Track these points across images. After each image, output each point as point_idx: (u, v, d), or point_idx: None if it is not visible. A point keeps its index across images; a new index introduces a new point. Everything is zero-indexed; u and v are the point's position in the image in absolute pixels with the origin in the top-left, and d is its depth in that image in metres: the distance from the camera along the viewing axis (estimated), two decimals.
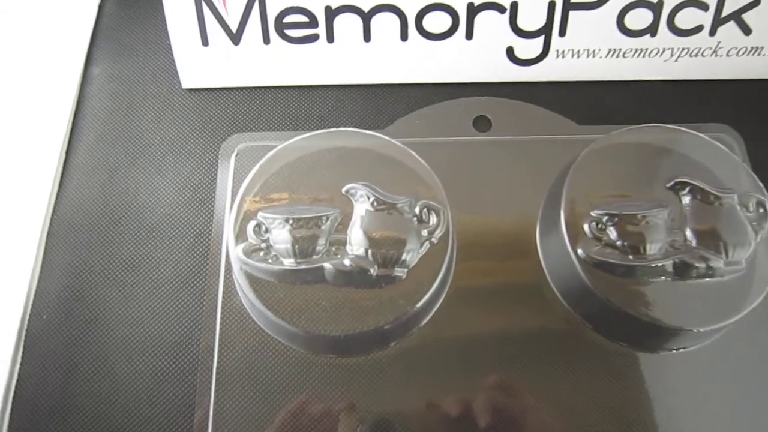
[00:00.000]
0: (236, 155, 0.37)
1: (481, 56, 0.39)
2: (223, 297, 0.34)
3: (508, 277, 0.35)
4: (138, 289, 0.35)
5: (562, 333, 0.34)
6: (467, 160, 0.37)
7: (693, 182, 0.33)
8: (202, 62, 0.39)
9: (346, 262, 0.30)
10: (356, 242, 0.31)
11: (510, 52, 0.39)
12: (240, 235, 0.32)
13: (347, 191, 0.32)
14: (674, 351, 0.33)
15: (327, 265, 0.30)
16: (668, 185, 0.33)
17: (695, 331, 0.31)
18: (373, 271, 0.30)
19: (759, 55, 0.39)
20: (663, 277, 0.31)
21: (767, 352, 0.33)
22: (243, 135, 0.38)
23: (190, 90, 0.40)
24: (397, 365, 0.32)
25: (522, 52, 0.39)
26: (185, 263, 0.35)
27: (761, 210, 0.32)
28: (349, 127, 0.35)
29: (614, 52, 0.39)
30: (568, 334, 0.33)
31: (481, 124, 0.38)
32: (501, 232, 0.36)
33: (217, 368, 0.32)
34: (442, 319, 0.33)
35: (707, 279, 0.31)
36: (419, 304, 0.30)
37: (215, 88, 0.40)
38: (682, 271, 0.31)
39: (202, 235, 0.36)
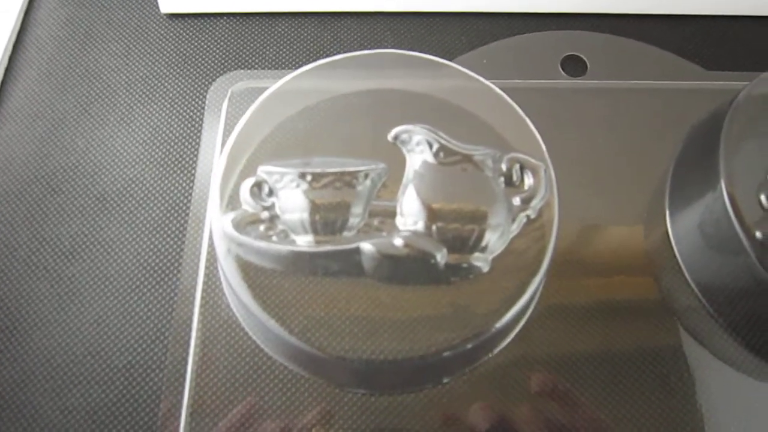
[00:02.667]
0: (230, 99, 0.26)
1: None
2: (204, 297, 0.22)
3: (622, 274, 0.24)
4: (81, 285, 0.24)
5: (706, 361, 0.22)
6: (554, 112, 0.27)
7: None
8: None
9: (397, 241, 0.19)
10: (411, 211, 0.20)
11: None
12: (232, 201, 0.21)
13: (396, 137, 0.21)
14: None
15: (366, 246, 0.19)
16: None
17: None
18: (441, 257, 0.19)
19: None
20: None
21: None
22: (240, 73, 0.27)
23: (171, 15, 0.30)
24: (456, 405, 0.21)
25: None
26: (150, 249, 0.24)
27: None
28: None
29: None
30: (718, 362, 0.22)
31: (573, 66, 0.28)
32: (608, 211, 0.25)
33: (191, 405, 0.21)
34: (530, 335, 0.22)
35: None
36: (510, 314, 0.19)
37: (204, 14, 0.29)
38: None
39: (178, 208, 0.25)
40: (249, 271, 0.20)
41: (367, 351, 0.19)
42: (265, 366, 0.21)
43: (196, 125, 0.27)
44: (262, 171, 0.21)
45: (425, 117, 0.22)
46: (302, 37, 0.29)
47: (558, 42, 0.28)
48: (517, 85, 0.27)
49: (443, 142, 0.20)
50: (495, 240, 0.20)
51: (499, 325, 0.19)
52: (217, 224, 0.20)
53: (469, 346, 0.19)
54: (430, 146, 0.20)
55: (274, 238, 0.20)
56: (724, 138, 0.22)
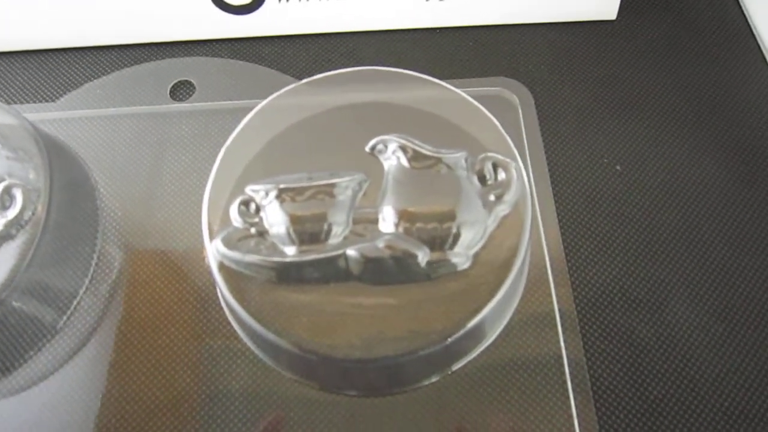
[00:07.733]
0: None
1: (181, 5, 0.29)
2: None
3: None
4: None
5: (258, 396, 0.22)
6: (155, 135, 0.28)
7: (399, 140, 0.22)
8: None
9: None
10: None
11: None
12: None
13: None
14: (386, 396, 0.22)
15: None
16: (368, 147, 0.23)
17: (389, 363, 0.20)
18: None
19: None
20: (345, 282, 0.20)
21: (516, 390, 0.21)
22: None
23: None
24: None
25: None
26: None
27: (502, 176, 0.22)
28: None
29: None
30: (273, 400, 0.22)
31: (184, 90, 0.29)
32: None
33: None
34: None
35: (410, 282, 0.20)
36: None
37: None
38: (372, 270, 0.20)
39: None
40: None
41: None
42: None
43: None
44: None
45: None
46: None
47: (166, 69, 0.29)
48: (123, 112, 0.28)
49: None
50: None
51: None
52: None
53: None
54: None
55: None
56: (222, 154, 0.23)
